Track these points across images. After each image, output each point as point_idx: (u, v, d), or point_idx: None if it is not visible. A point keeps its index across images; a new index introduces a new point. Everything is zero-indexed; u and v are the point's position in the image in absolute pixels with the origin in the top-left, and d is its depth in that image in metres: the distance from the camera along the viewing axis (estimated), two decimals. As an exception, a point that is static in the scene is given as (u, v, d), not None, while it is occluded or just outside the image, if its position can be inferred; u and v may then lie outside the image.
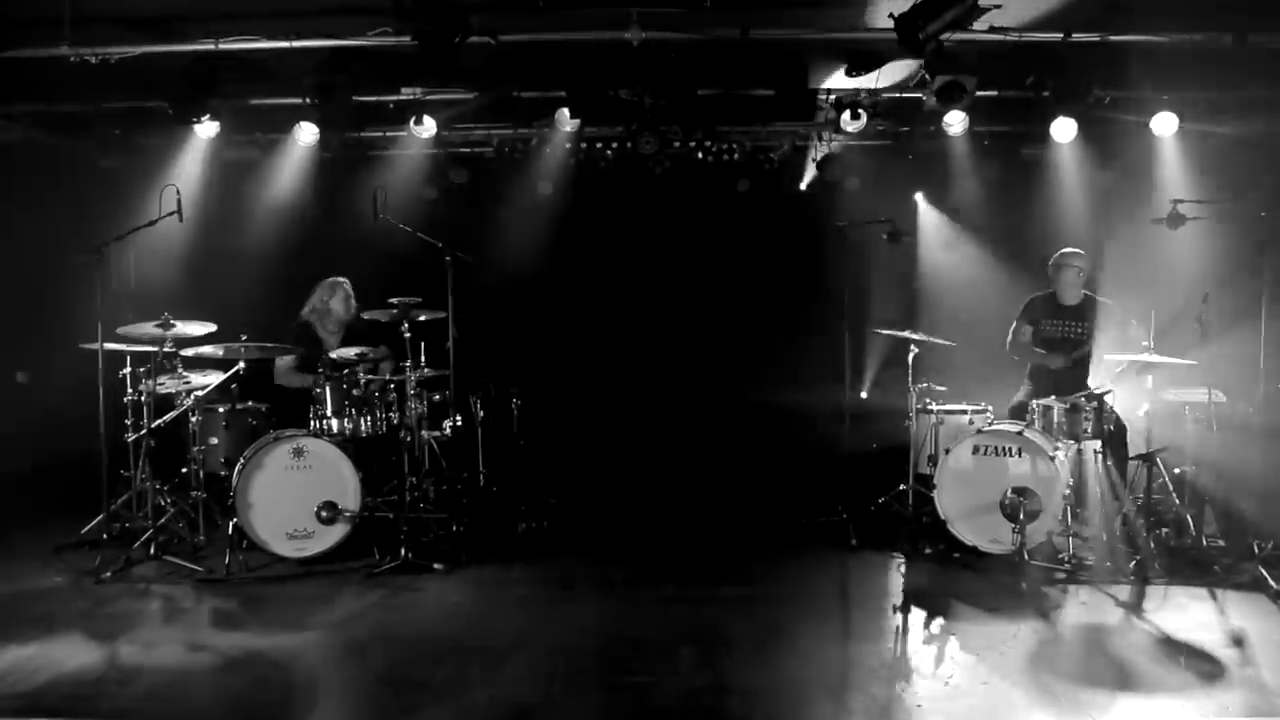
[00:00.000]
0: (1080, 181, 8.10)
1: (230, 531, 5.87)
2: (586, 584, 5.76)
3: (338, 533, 5.97)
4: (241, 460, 5.98)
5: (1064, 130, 7.69)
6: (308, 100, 7.34)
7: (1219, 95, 7.34)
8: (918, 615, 5.25)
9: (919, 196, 8.61)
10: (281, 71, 7.09)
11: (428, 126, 7.72)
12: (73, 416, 6.62)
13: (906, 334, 6.78)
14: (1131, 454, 6.37)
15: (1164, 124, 7.56)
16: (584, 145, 8.21)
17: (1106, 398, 6.41)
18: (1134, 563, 5.82)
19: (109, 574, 5.71)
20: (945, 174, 8.27)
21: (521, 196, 8.51)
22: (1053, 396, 6.49)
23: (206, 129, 7.65)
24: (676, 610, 5.33)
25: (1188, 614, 5.20)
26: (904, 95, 7.63)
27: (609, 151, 8.21)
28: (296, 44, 6.49)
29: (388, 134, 8.24)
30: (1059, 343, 6.85)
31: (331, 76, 6.97)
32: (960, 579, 5.83)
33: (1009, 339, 7.01)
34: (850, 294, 6.67)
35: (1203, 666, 4.59)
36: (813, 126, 8.29)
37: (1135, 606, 5.35)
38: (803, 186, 8.63)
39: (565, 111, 7.58)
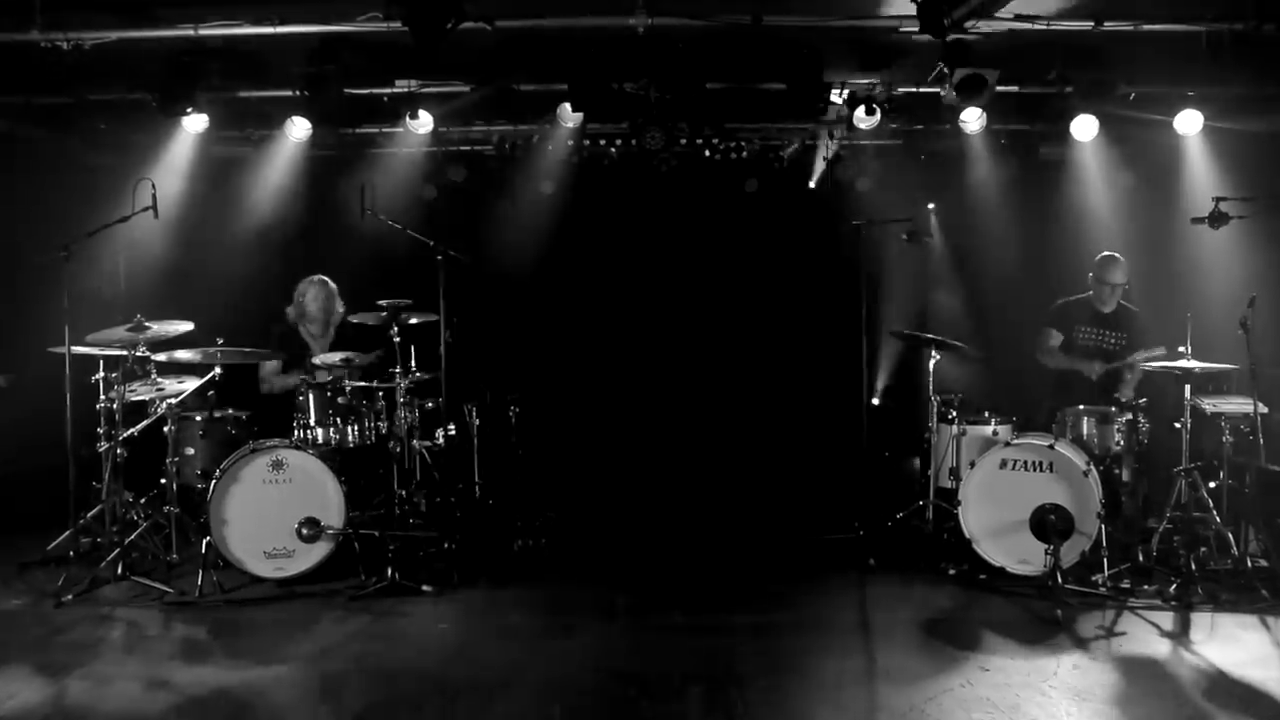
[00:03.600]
0: (1102, 182, 7.45)
1: (204, 550, 5.22)
2: (586, 610, 5.10)
3: (320, 551, 5.33)
4: (217, 473, 5.34)
5: (1085, 128, 7.05)
6: (298, 93, 6.69)
7: (1252, 91, 6.68)
8: (947, 648, 4.60)
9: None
10: (270, 62, 6.46)
11: (424, 121, 7.07)
12: (47, 424, 5.97)
13: (927, 335, 6.13)
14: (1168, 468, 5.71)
15: (1188, 122, 6.92)
16: (587, 142, 7.56)
17: (1139, 407, 5.81)
18: (1174, 586, 5.17)
19: (70, 596, 5.08)
20: (960, 173, 7.61)
21: (522, 195, 7.87)
22: (1082, 406, 5.87)
23: (195, 123, 7.01)
24: (684, 641, 4.70)
25: (1241, 646, 4.56)
26: (920, 90, 6.97)
27: (613, 149, 7.56)
28: (281, 30, 5.85)
29: (384, 130, 7.58)
30: (1095, 354, 6.21)
31: (321, 67, 6.34)
32: (989, 604, 5.18)
33: (1038, 348, 6.36)
34: (866, 297, 6.02)
35: (1266, 710, 3.96)
36: (824, 124, 7.64)
37: (1182, 637, 4.71)
38: (812, 185, 7.97)
39: (567, 106, 6.93)
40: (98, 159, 7.67)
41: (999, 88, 6.80)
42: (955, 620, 5.01)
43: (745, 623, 4.90)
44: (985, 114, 7.08)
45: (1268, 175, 6.70)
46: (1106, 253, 6.34)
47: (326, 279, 6.46)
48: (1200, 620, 4.87)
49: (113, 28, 5.78)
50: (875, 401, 7.04)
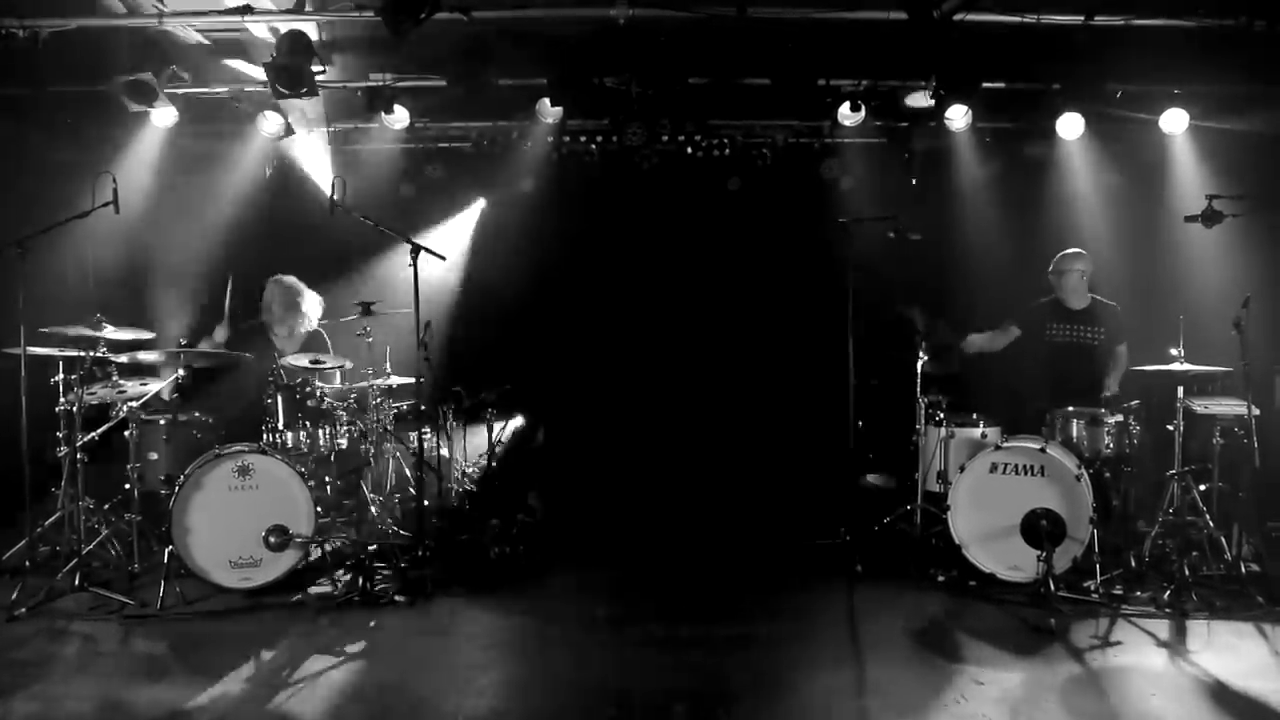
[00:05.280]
0: (1088, 181, 7.24)
1: (166, 560, 4.91)
2: (565, 621, 4.82)
3: (288, 560, 5.03)
4: (180, 479, 5.02)
5: (1070, 126, 6.85)
6: (270, 86, 6.37)
7: (1241, 89, 6.48)
8: (940, 660, 4.35)
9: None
10: (240, 53, 6.15)
11: (400, 117, 6.78)
12: (3, 427, 5.62)
13: (917, 327, 5.88)
14: (1161, 471, 5.50)
15: (1174, 121, 6.73)
16: (567, 139, 7.27)
17: (1130, 409, 5.59)
18: (1168, 592, 4.96)
19: (24, 609, 4.75)
20: (946, 171, 7.36)
21: (501, 193, 7.56)
22: (1071, 408, 5.64)
23: (163, 117, 6.66)
24: (667, 655, 4.42)
25: (1239, 656, 4.35)
26: (906, 86, 6.73)
27: (593, 146, 7.28)
28: (249, 20, 5.54)
29: (359, 126, 7.27)
30: (1074, 348, 6.00)
31: (293, 59, 6.02)
32: (980, 613, 4.94)
33: (987, 337, 6.17)
34: (853, 296, 5.76)
35: (1271, 723, 3.74)
36: (808, 122, 7.38)
37: (1179, 646, 4.49)
38: (796, 188, 7.72)
39: (546, 102, 6.65)
40: (62, 154, 7.29)
41: (985, 84, 6.62)
42: (946, 630, 4.76)
43: (730, 634, 4.63)
44: (970, 111, 6.85)
45: (1256, 174, 6.50)
46: (1062, 252, 6.16)
47: (287, 279, 6.14)
48: (1196, 628, 4.66)
49: (72, 14, 5.46)
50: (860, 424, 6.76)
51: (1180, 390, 5.33)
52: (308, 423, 5.30)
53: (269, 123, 6.81)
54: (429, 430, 5.69)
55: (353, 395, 5.48)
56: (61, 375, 5.34)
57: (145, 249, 7.29)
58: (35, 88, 6.32)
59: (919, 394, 5.88)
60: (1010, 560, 5.19)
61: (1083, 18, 5.67)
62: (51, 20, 5.42)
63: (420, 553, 5.24)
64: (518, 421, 5.73)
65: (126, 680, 4.10)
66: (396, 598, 4.92)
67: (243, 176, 7.24)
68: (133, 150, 6.92)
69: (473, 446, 6.45)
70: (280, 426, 5.26)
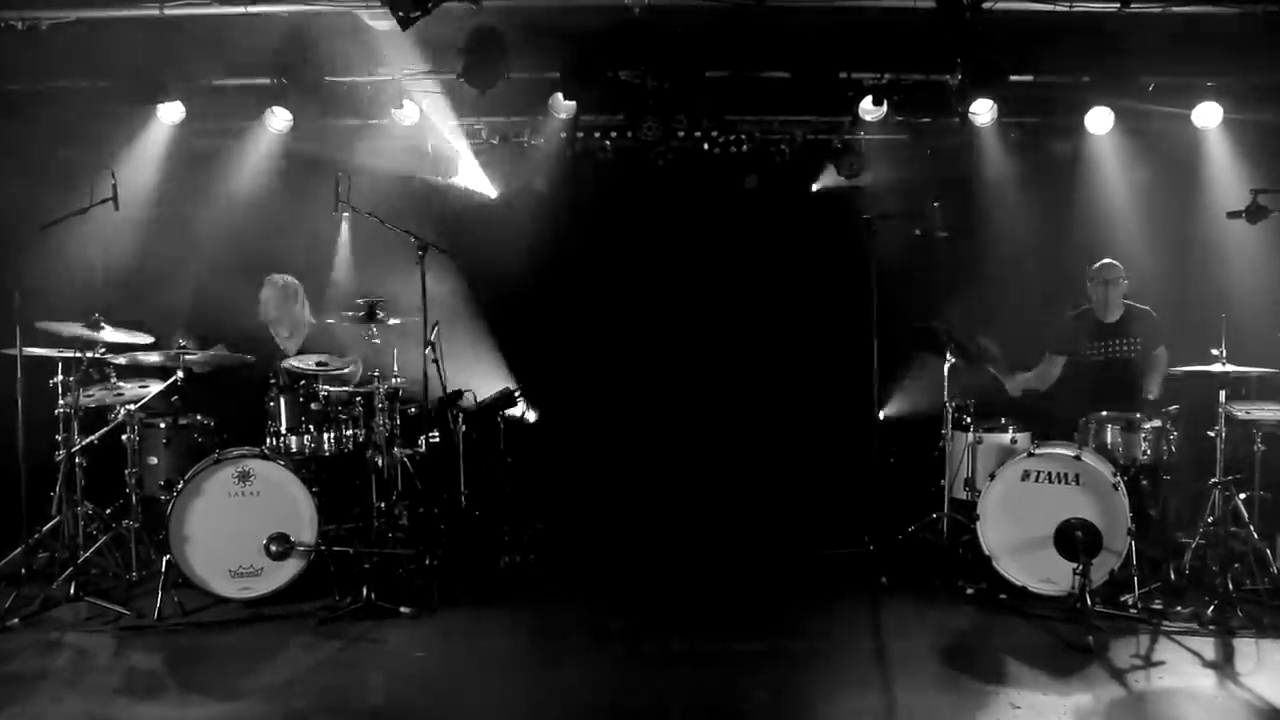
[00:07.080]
0: (1118, 177, 6.91)
1: (164, 569, 4.68)
2: (576, 635, 4.56)
3: (290, 569, 4.80)
4: (179, 485, 4.79)
5: (1100, 121, 6.53)
6: (276, 80, 6.16)
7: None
8: (972, 681, 4.06)
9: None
10: (244, 46, 5.91)
11: (410, 113, 6.53)
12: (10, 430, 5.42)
13: (946, 340, 5.59)
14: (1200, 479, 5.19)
15: (1207, 115, 6.42)
16: (580, 135, 6.98)
17: (1168, 414, 5.28)
18: (1211, 608, 4.65)
19: (17, 620, 4.54)
20: (970, 168, 7.05)
21: (513, 190, 7.30)
22: (1105, 413, 5.33)
23: (170, 113, 6.45)
24: (683, 672, 4.15)
25: (1293, 678, 4.03)
26: (929, 79, 6.44)
27: (608, 142, 6.99)
28: (253, 10, 5.31)
29: (369, 122, 7.02)
30: (1111, 363, 5.66)
31: (298, 51, 5.81)
32: (1013, 629, 4.63)
33: (1043, 379, 5.84)
34: (878, 296, 5.48)
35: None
36: (827, 118, 7.09)
37: (1226, 667, 4.18)
38: (815, 186, 7.43)
39: (559, 96, 6.39)
40: (70, 153, 7.08)
41: (1012, 77, 6.31)
42: (978, 648, 4.48)
43: (750, 650, 4.36)
44: (996, 106, 6.55)
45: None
46: (1101, 262, 5.83)
47: (282, 279, 5.89)
48: (1244, 647, 4.35)
49: (71, 7, 5.24)
50: (882, 415, 6.47)
51: (1223, 395, 5.01)
52: (311, 426, 5.06)
53: (277, 119, 6.59)
54: (437, 434, 5.44)
55: (358, 398, 5.24)
56: (60, 377, 5.14)
57: (153, 248, 7.06)
58: (34, 82, 6.12)
59: (945, 398, 5.58)
60: (1043, 573, 4.90)
61: (1118, 5, 5.36)
62: (51, 12, 5.19)
63: (427, 562, 4.99)
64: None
65: (118, 697, 3.88)
66: (402, 609, 4.67)
67: (251, 175, 7.00)
68: (141, 147, 6.71)
69: (482, 452, 6.18)
70: (283, 430, 5.02)
